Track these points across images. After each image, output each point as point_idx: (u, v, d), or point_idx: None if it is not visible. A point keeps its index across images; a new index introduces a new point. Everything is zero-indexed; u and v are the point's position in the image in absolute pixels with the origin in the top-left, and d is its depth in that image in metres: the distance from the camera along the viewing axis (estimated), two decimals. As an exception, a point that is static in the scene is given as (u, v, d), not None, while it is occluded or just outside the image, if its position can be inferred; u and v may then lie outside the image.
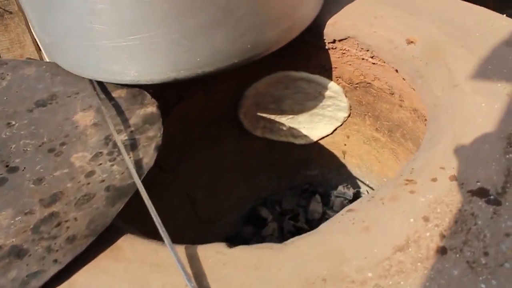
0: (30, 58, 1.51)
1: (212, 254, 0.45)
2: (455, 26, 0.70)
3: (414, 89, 0.69)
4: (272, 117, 1.00)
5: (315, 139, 1.05)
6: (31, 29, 1.41)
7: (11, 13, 1.44)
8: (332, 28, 0.78)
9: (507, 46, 0.63)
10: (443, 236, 0.41)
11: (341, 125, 1.01)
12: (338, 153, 1.08)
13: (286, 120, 1.01)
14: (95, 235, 0.48)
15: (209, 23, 0.61)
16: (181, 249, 0.46)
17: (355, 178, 1.08)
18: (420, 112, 0.76)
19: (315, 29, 0.80)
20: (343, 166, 1.09)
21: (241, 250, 0.46)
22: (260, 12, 0.65)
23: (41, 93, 0.70)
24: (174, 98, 0.85)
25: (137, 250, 0.47)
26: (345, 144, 1.05)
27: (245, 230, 1.10)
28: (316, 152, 1.08)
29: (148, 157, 0.59)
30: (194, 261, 0.45)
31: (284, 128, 1.03)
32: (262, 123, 1.01)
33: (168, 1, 0.58)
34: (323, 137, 1.05)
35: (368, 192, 1.05)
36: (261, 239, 1.08)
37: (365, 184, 1.06)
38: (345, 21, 0.77)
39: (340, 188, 1.07)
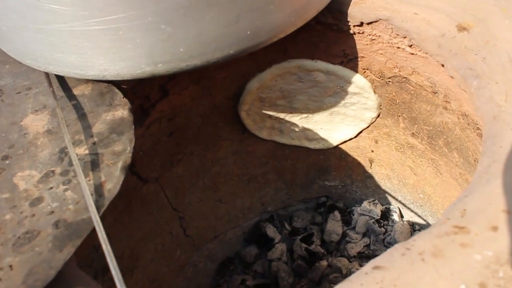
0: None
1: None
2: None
3: (465, 91, 0.61)
4: (282, 115, 0.93)
5: (335, 143, 0.99)
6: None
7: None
8: (359, 8, 0.71)
9: None
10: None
11: (367, 127, 0.95)
12: (363, 161, 1.02)
13: (299, 120, 0.94)
14: (32, 295, 0.42)
15: (195, 2, 0.54)
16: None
17: (384, 192, 1.02)
18: (472, 118, 0.68)
19: (337, 8, 0.73)
20: (369, 176, 1.02)
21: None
22: (263, -12, 0.57)
23: (-18, 88, 0.65)
24: (157, 93, 0.78)
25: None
26: (372, 151, 0.98)
27: (247, 251, 1.06)
28: (336, 159, 1.03)
29: (113, 181, 0.54)
30: None
31: (297, 129, 0.96)
32: (269, 122, 0.94)
33: (140, -26, 0.50)
34: (345, 141, 0.99)
35: (400, 210, 0.98)
36: (267, 263, 1.02)
37: (396, 199, 1.00)
38: (376, -2, 0.69)
39: (365, 204, 1.01)
